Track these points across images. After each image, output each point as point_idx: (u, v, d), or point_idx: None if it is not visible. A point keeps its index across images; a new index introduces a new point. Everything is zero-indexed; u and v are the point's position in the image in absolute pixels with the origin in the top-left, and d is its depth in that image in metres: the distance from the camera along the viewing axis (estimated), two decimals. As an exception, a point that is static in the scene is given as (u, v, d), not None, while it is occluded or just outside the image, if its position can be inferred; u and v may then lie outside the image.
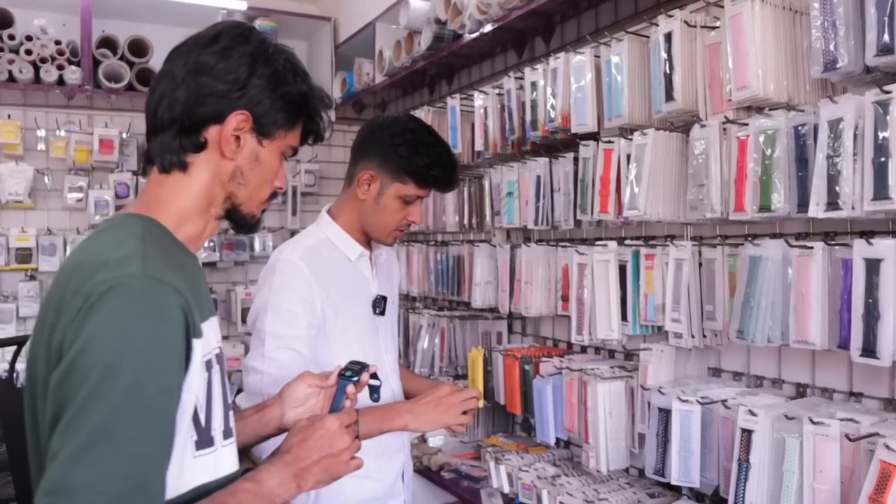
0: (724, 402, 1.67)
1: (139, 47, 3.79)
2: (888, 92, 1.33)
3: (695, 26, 1.78)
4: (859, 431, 1.38)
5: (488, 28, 2.53)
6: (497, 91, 2.53)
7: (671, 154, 1.82)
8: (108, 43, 3.74)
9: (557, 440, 2.23)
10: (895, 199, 1.31)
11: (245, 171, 1.10)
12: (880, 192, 1.33)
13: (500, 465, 2.27)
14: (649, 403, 1.83)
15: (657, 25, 1.82)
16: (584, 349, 2.39)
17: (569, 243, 2.27)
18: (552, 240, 2.44)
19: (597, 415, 1.96)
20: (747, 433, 1.53)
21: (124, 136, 3.87)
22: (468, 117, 2.75)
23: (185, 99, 1.05)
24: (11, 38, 3.53)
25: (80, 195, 3.75)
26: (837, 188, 1.40)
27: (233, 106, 1.06)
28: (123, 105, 3.94)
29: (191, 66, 1.06)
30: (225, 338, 3.75)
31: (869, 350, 1.36)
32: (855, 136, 1.38)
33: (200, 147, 1.07)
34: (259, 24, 3.97)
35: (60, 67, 3.60)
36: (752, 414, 1.53)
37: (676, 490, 1.95)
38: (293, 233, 4.02)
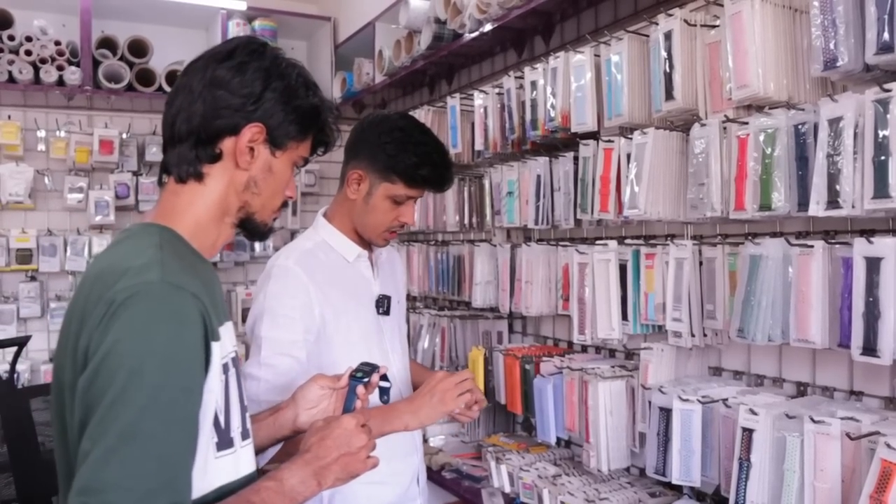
0: (724, 401, 1.67)
1: (139, 48, 3.79)
2: (888, 90, 1.33)
3: (695, 25, 1.77)
4: (860, 430, 1.38)
5: (488, 27, 2.53)
6: (497, 90, 2.53)
7: (671, 153, 1.82)
8: (107, 43, 3.75)
9: (558, 440, 2.23)
10: (895, 198, 1.31)
11: (258, 181, 1.15)
12: (880, 190, 1.33)
13: (500, 465, 2.27)
14: (650, 403, 1.83)
15: (657, 24, 1.82)
16: (584, 348, 2.39)
17: (569, 243, 2.27)
18: (552, 239, 2.44)
19: (597, 414, 1.96)
20: (748, 432, 1.53)
21: (124, 136, 3.88)
22: (468, 117, 2.75)
23: (203, 112, 1.10)
24: (11, 38, 3.53)
25: (80, 196, 3.75)
26: (838, 187, 1.40)
27: (248, 118, 1.11)
28: (123, 105, 3.95)
29: (208, 80, 1.11)
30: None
31: (869, 349, 1.36)
32: (855, 134, 1.38)
33: (216, 158, 1.12)
34: (259, 24, 3.98)
35: (60, 68, 3.60)
36: (753, 413, 1.53)
37: (677, 489, 1.94)
38: (293, 233, 4.02)
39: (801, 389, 1.72)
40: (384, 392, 1.47)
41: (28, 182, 3.65)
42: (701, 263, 1.79)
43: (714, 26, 1.73)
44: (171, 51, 3.89)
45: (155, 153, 3.92)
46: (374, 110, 4.08)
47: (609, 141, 1.97)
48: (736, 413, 1.58)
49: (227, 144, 1.11)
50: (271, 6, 4.08)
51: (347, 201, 1.73)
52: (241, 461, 1.09)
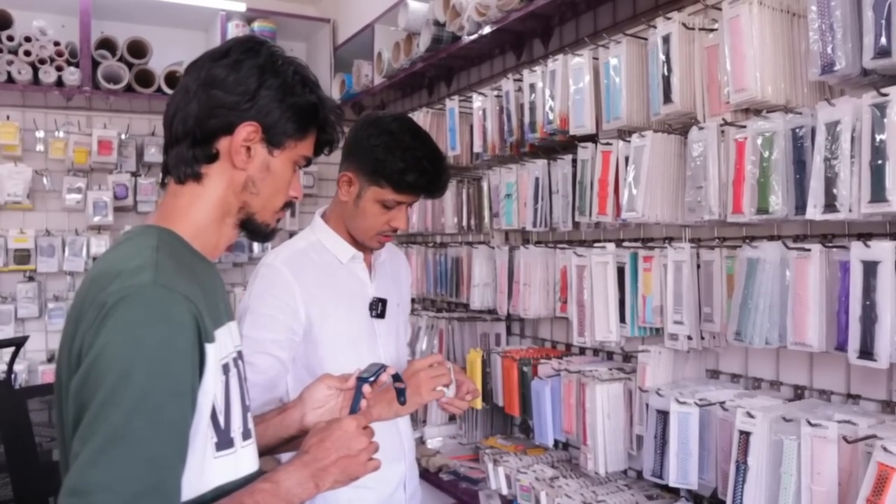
0: (721, 403, 1.67)
1: (138, 48, 3.79)
2: (885, 94, 1.33)
3: (693, 29, 1.78)
4: (857, 433, 1.38)
5: (487, 30, 2.53)
6: (496, 93, 2.53)
7: (669, 156, 1.83)
8: (107, 44, 3.75)
9: (556, 442, 2.23)
10: (892, 202, 1.31)
11: (257, 181, 1.13)
12: (877, 194, 1.33)
13: (498, 467, 2.27)
14: (647, 405, 1.83)
15: (655, 28, 1.82)
16: (582, 351, 2.39)
17: (567, 245, 2.27)
18: (551, 241, 2.44)
19: (595, 416, 1.96)
20: (745, 435, 1.53)
21: (123, 137, 3.88)
22: (467, 119, 2.75)
23: (198, 111, 1.09)
24: (10, 39, 3.53)
25: (78, 196, 3.75)
26: (835, 190, 1.40)
27: (242, 117, 1.10)
28: (122, 106, 3.95)
29: (203, 79, 1.10)
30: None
31: (866, 352, 1.36)
32: (852, 138, 1.38)
33: (213, 158, 1.11)
34: (258, 25, 3.98)
35: (59, 68, 3.60)
36: (750, 416, 1.53)
37: (674, 492, 1.95)
38: (291, 234, 4.02)
39: (799, 393, 1.73)
40: (400, 393, 1.45)
41: (26, 182, 3.65)
42: (698, 266, 1.80)
43: (712, 30, 1.74)
44: (171, 52, 3.89)
45: (154, 154, 3.91)
46: (373, 111, 4.08)
47: (607, 144, 1.97)
48: (733, 416, 1.58)
49: (223, 144, 1.10)
50: (270, 8, 4.08)
51: (341, 203, 1.73)
52: (241, 461, 1.08)
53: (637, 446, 1.97)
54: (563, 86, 2.14)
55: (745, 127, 1.60)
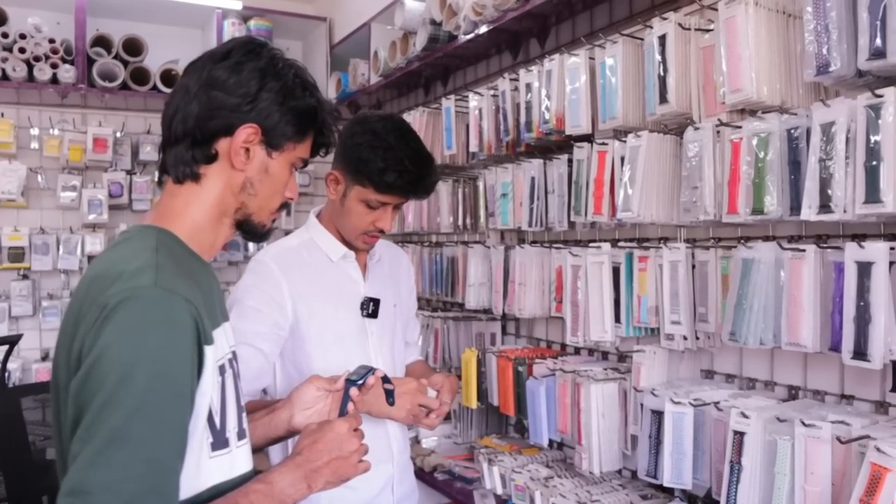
0: (716, 404, 1.67)
1: (134, 46, 3.78)
2: (880, 96, 1.33)
3: (689, 29, 1.78)
4: (850, 434, 1.39)
5: (483, 29, 2.53)
6: (492, 92, 2.53)
7: (665, 156, 1.83)
8: (102, 42, 3.74)
9: (550, 442, 2.23)
10: (886, 203, 1.31)
11: (255, 182, 1.14)
12: (872, 195, 1.33)
13: (493, 467, 2.27)
14: (642, 405, 1.83)
15: (651, 28, 1.82)
16: (577, 351, 2.39)
17: (563, 245, 2.27)
18: (546, 241, 2.44)
19: (590, 416, 1.96)
20: (739, 435, 1.53)
21: (118, 135, 3.87)
22: (463, 118, 2.75)
23: (198, 112, 1.10)
24: (5, 36, 3.52)
25: (73, 194, 3.74)
26: (829, 191, 1.40)
27: (242, 119, 1.10)
28: (117, 104, 3.94)
29: (204, 80, 1.11)
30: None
31: (860, 353, 1.37)
32: (847, 139, 1.39)
33: (212, 159, 1.11)
34: (254, 23, 3.97)
35: (54, 66, 3.59)
36: (745, 416, 1.53)
37: (669, 492, 1.95)
38: (287, 233, 4.01)
39: (793, 393, 1.73)
40: (389, 394, 1.47)
41: (21, 180, 3.64)
42: (694, 266, 1.80)
43: (708, 30, 1.74)
44: (166, 50, 3.89)
45: (149, 152, 3.91)
46: (368, 111, 4.07)
47: (603, 143, 1.97)
48: (727, 416, 1.58)
49: (222, 145, 1.11)
50: (267, 6, 4.07)
51: (332, 202, 1.74)
52: (236, 461, 1.09)
53: (632, 446, 1.97)
54: (559, 85, 2.14)
55: (740, 127, 1.60)
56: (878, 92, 1.34)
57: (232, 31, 3.88)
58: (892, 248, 1.36)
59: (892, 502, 1.23)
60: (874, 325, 1.35)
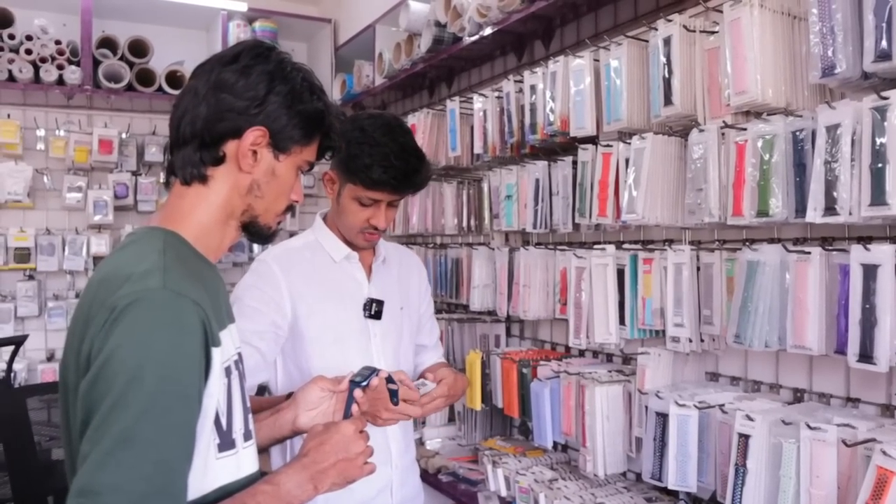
0: (721, 406, 1.67)
1: (139, 48, 3.80)
2: (886, 98, 1.33)
3: (694, 31, 1.78)
4: (856, 437, 1.38)
5: (488, 31, 2.53)
6: (496, 94, 2.53)
7: (669, 158, 1.83)
8: (108, 43, 3.75)
9: (555, 444, 2.23)
10: (892, 205, 1.31)
11: (262, 185, 1.15)
12: (877, 197, 1.33)
13: (497, 469, 2.27)
14: (647, 408, 1.83)
15: (656, 30, 1.82)
16: (581, 353, 2.39)
17: (567, 247, 2.27)
18: (550, 243, 2.44)
19: (594, 419, 1.96)
20: (744, 438, 1.53)
21: (123, 136, 3.88)
22: (467, 120, 2.75)
23: (206, 115, 1.10)
24: (11, 37, 3.53)
25: (79, 195, 3.75)
26: (835, 193, 1.40)
27: (250, 122, 1.11)
28: (123, 105, 3.95)
29: (212, 83, 1.11)
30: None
31: (866, 356, 1.36)
32: (853, 141, 1.38)
33: (219, 161, 1.12)
34: (259, 25, 3.98)
35: (60, 67, 3.60)
36: (750, 419, 1.53)
37: (673, 494, 1.94)
38: (292, 234, 4.02)
39: (798, 396, 1.72)
40: (393, 394, 1.48)
41: (27, 181, 3.65)
42: (698, 269, 1.80)
43: (713, 32, 1.74)
44: (172, 51, 3.90)
45: (154, 153, 3.92)
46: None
47: (608, 145, 1.97)
48: (732, 419, 1.58)
49: (230, 147, 1.12)
50: (272, 7, 4.09)
51: (332, 202, 1.76)
52: (242, 462, 1.10)
53: (636, 448, 1.97)
54: (563, 87, 2.14)
55: (745, 129, 1.59)
56: (884, 94, 1.33)
57: (237, 32, 3.89)
58: (898, 251, 1.36)
59: (898, 506, 1.23)
60: (880, 327, 1.34)
